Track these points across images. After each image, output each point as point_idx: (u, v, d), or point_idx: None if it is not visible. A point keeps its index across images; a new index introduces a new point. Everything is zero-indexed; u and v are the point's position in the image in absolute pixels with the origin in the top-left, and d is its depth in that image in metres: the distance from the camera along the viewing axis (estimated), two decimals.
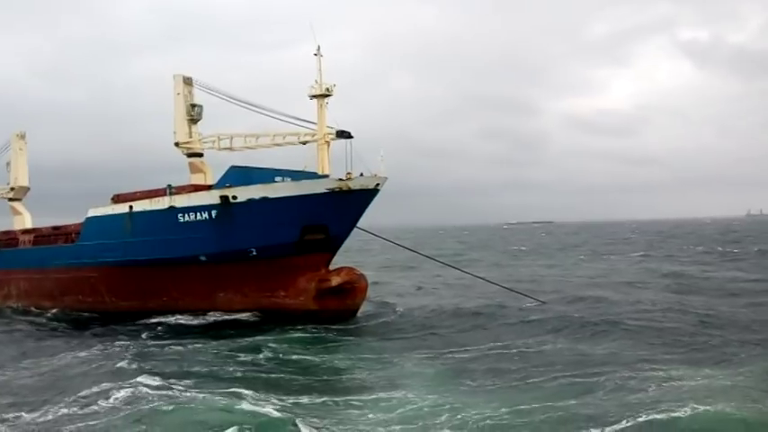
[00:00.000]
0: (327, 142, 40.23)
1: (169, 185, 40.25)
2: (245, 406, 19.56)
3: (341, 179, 36.69)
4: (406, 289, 52.13)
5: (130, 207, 40.59)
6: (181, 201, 38.70)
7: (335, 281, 37.73)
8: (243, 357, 27.67)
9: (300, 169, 40.70)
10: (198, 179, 44.43)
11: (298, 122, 41.81)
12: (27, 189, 61.34)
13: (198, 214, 37.92)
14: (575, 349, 26.84)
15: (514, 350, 27.30)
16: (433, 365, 25.23)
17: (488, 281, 45.23)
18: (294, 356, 27.83)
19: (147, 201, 40.16)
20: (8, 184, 61.22)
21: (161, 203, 39.27)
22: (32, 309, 46.55)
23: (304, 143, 42.06)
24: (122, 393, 21.14)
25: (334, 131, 40.28)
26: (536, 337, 29.90)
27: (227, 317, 38.06)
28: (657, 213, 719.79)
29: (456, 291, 48.99)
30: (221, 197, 37.24)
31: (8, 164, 61.25)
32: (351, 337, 32.62)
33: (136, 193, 41.96)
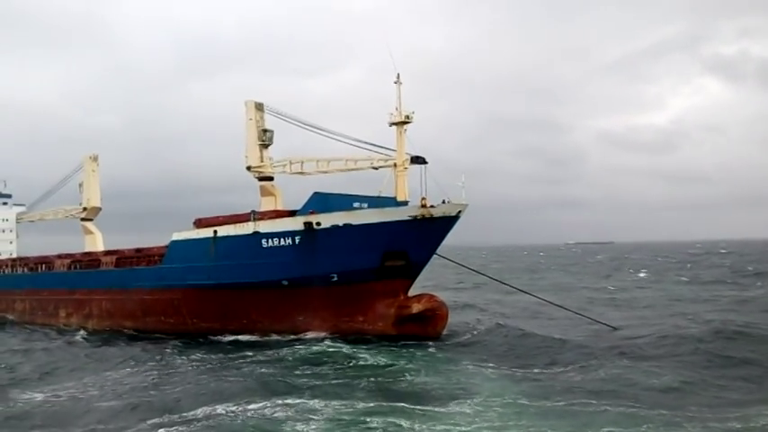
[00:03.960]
0: (406, 168, 42.86)
1: (253, 211, 43.53)
2: (324, 411, 23.22)
3: (423, 206, 39.12)
4: (480, 310, 54.50)
5: (215, 232, 44.03)
6: (265, 226, 41.84)
7: (416, 308, 40.08)
8: (328, 367, 31.70)
9: (375, 195, 43.43)
10: (268, 202, 47.73)
11: (370, 148, 44.48)
12: (99, 209, 66.37)
13: (282, 240, 40.99)
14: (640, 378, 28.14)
15: (591, 376, 28.64)
16: (506, 382, 27.64)
17: (564, 308, 46.95)
18: (376, 366, 31.57)
19: (231, 226, 43.49)
20: (80, 204, 66.37)
21: (245, 229, 42.52)
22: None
23: (377, 168, 44.84)
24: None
25: (408, 158, 42.97)
26: (618, 365, 30.97)
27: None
28: (719, 233, 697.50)
29: (529, 314, 51.05)
30: (305, 223, 40.22)
31: (80, 185, 66.48)
32: (433, 350, 35.70)
33: (218, 217, 45.37)
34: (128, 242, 58.63)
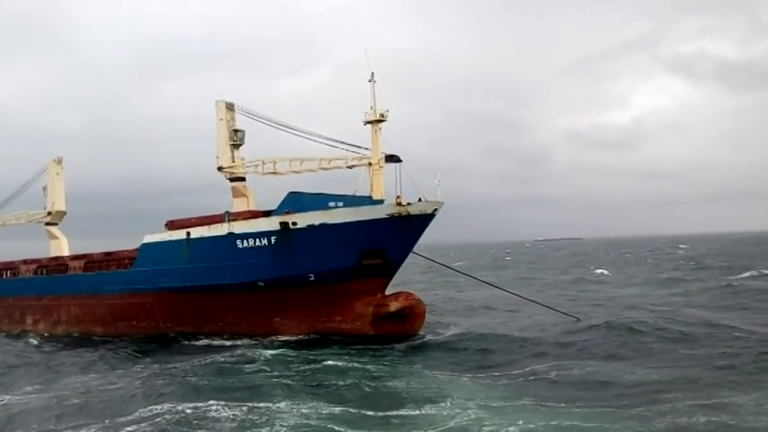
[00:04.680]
0: (381, 167, 42.95)
1: (227, 212, 43.02)
2: (289, 416, 22.85)
3: (399, 204, 39.21)
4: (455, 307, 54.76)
5: (188, 233, 43.36)
6: (240, 227, 41.37)
7: (394, 306, 40.02)
8: (295, 369, 31.37)
9: (349, 194, 43.38)
10: (240, 203, 47.20)
11: (344, 147, 44.39)
12: (64, 213, 64.51)
13: (257, 240, 40.60)
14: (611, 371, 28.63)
15: (564, 371, 28.92)
16: (476, 383, 27.57)
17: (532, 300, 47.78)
18: (344, 370, 31.13)
19: (204, 227, 42.88)
20: (45, 208, 64.60)
21: (220, 230, 41.98)
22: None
23: (351, 167, 44.83)
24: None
25: (383, 156, 43.08)
26: (586, 359, 31.58)
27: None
28: (682, 228, 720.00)
29: (503, 310, 51.56)
30: (281, 223, 39.89)
31: (44, 188, 64.66)
32: (401, 353, 35.50)
33: (191, 219, 44.68)
34: (96, 246, 57.18)
